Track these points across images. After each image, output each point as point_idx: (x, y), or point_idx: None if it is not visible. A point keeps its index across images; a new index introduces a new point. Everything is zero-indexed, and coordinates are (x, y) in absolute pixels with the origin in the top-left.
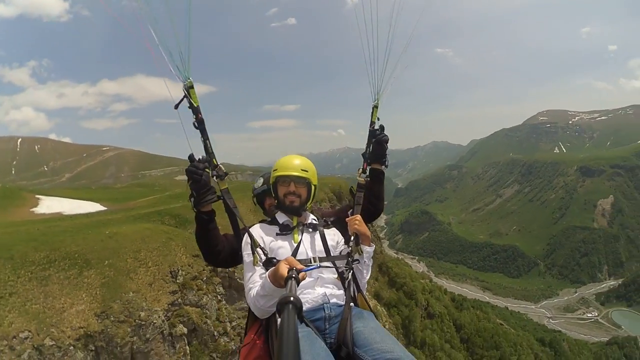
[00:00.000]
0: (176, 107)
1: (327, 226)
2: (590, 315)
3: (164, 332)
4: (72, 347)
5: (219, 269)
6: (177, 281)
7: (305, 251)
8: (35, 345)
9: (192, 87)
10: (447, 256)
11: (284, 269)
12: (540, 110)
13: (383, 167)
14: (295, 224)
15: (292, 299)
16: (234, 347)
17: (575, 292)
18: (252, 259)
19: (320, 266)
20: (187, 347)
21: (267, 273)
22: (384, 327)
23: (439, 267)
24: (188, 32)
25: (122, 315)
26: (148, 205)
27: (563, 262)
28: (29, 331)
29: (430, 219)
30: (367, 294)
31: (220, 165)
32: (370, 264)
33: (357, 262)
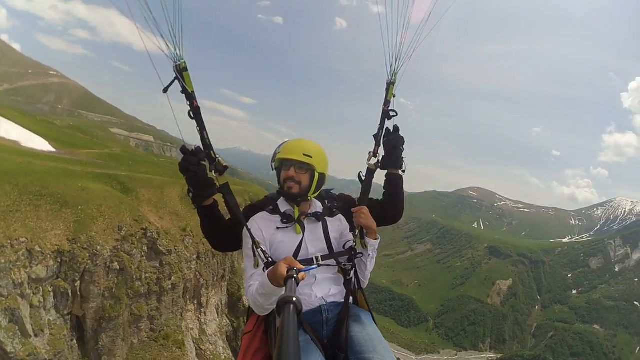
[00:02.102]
0: (165, 90)
1: (332, 214)
2: None
3: (106, 263)
4: (49, 256)
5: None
6: (121, 233)
7: (306, 247)
8: (27, 248)
9: (185, 69)
10: None
11: (283, 269)
12: (472, 186)
13: (400, 171)
14: (297, 214)
15: (292, 299)
16: (142, 291)
17: (456, 355)
18: (252, 258)
19: (320, 266)
20: (116, 279)
21: (266, 272)
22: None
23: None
24: (179, 5)
25: (85, 245)
26: (94, 161)
27: (451, 324)
28: (25, 238)
29: None
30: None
31: (220, 158)
32: (374, 256)
33: (360, 255)
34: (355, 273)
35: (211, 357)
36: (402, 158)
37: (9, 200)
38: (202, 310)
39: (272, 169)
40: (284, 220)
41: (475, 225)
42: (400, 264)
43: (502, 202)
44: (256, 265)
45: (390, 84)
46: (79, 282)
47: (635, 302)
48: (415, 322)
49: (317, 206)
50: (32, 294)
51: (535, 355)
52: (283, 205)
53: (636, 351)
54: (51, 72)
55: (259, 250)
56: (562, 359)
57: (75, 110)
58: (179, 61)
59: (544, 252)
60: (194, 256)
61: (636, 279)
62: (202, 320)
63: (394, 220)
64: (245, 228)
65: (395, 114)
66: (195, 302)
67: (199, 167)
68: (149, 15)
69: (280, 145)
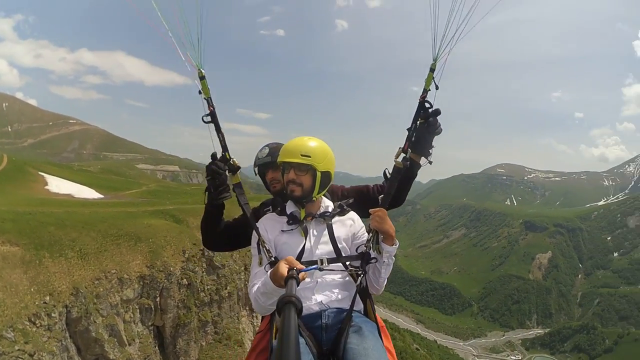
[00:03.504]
0: (200, 92)
1: (343, 212)
2: (514, 357)
3: (178, 281)
4: (134, 280)
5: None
6: (185, 256)
7: (311, 249)
8: (117, 277)
9: (203, 77)
10: (388, 286)
11: (283, 269)
12: (499, 163)
13: (424, 160)
14: (303, 216)
15: (292, 299)
16: (206, 300)
17: (503, 335)
18: (257, 256)
19: (321, 268)
20: (185, 292)
21: (268, 272)
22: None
23: (378, 295)
24: (198, 20)
25: (160, 268)
26: (140, 200)
27: (496, 306)
28: (115, 270)
29: None
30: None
31: (234, 159)
32: (391, 264)
33: (374, 260)
34: (367, 279)
35: None
36: (432, 146)
37: (97, 243)
38: (254, 314)
39: (255, 174)
40: (290, 222)
41: (507, 202)
42: (437, 253)
43: (532, 175)
44: (260, 263)
45: (431, 70)
46: (158, 298)
47: None
48: (459, 308)
49: (328, 205)
50: (124, 312)
51: (584, 325)
52: (290, 206)
53: None
54: (71, 121)
55: (264, 248)
56: (611, 324)
57: (100, 153)
58: (199, 69)
59: (580, 218)
60: (242, 268)
61: None
62: (255, 324)
63: (394, 207)
64: (253, 227)
65: (430, 105)
66: (247, 308)
67: (224, 172)
68: (174, 30)
69: (261, 149)
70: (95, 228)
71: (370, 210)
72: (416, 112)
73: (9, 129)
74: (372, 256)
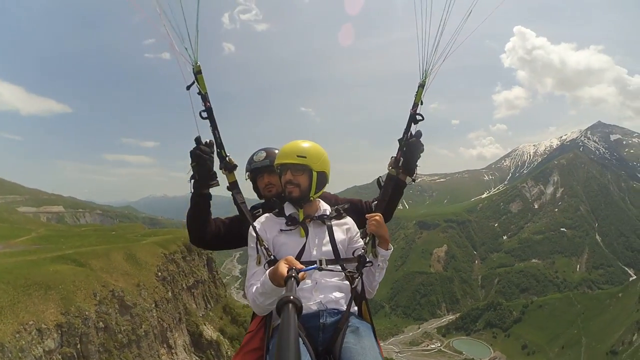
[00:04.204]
0: (188, 88)
1: (340, 216)
2: (434, 346)
3: (95, 324)
4: (52, 330)
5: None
6: (96, 298)
7: (310, 250)
8: (36, 328)
9: (199, 72)
10: None
11: (283, 269)
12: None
13: (409, 178)
14: (301, 217)
15: (292, 298)
16: (125, 341)
17: (419, 328)
18: (255, 256)
19: (320, 268)
20: (103, 335)
21: (267, 271)
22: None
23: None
24: (196, 13)
25: (76, 314)
26: (34, 248)
27: (406, 302)
28: (33, 321)
29: None
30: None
31: (230, 157)
32: (385, 268)
33: (370, 264)
34: (362, 282)
35: None
36: (417, 166)
37: (10, 295)
38: (173, 351)
39: (246, 179)
40: (289, 223)
41: (400, 207)
42: None
43: (419, 179)
44: (259, 262)
45: (420, 86)
46: (79, 344)
47: (562, 229)
48: (372, 312)
49: (326, 209)
50: None
51: (489, 303)
52: (289, 208)
53: (577, 269)
54: None
55: (262, 247)
56: (514, 298)
57: None
58: (194, 65)
59: (467, 211)
60: (152, 305)
61: (555, 210)
62: None
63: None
64: (251, 225)
65: (421, 117)
66: (165, 345)
67: (209, 157)
68: (169, 26)
69: (253, 155)
70: (3, 280)
71: (367, 215)
72: (408, 122)
73: None
74: (368, 260)
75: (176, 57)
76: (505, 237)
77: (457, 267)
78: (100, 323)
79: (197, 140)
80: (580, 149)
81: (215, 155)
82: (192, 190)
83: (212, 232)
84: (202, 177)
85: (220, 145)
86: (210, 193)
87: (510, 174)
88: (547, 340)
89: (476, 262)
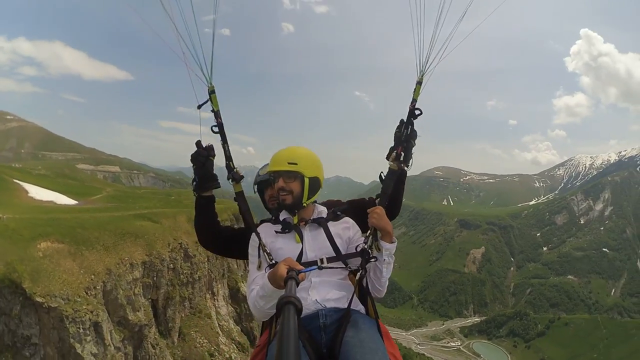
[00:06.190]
0: (199, 107)
1: (337, 218)
2: (454, 344)
3: (167, 265)
4: (139, 265)
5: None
6: (169, 247)
7: (307, 252)
8: (130, 263)
9: (213, 92)
10: None
11: (283, 270)
12: (437, 166)
13: (406, 167)
14: (296, 221)
15: (292, 299)
16: (185, 281)
17: (443, 324)
18: (256, 261)
19: (321, 267)
20: (172, 274)
21: (266, 274)
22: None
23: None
24: (212, 41)
25: (156, 256)
26: (109, 204)
27: (434, 298)
28: (127, 257)
29: None
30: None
31: (237, 169)
32: (392, 262)
33: (374, 259)
34: (368, 277)
35: (227, 330)
36: (412, 154)
37: (112, 239)
38: (215, 297)
39: (254, 192)
40: (283, 227)
41: (444, 202)
42: None
43: (468, 177)
44: (259, 267)
45: (418, 84)
46: (155, 277)
47: (604, 249)
48: (400, 301)
49: (322, 212)
50: (134, 287)
51: (517, 312)
52: (284, 214)
53: (612, 293)
54: (8, 117)
55: (264, 252)
56: (543, 311)
57: (39, 152)
58: (209, 85)
59: (511, 217)
60: (205, 259)
61: (601, 228)
62: (217, 305)
63: (392, 217)
64: (254, 231)
65: (420, 112)
66: (210, 292)
67: (207, 160)
68: (186, 49)
69: (262, 167)
70: (107, 228)
71: (368, 209)
72: (407, 117)
73: None
74: (372, 255)
75: (190, 78)
76: (545, 249)
77: (491, 271)
78: (171, 264)
79: (198, 144)
80: (638, 168)
81: (214, 159)
82: (194, 194)
83: (220, 237)
84: (202, 179)
85: (228, 158)
86: (213, 195)
87: (562, 184)
88: (566, 359)
89: (511, 268)
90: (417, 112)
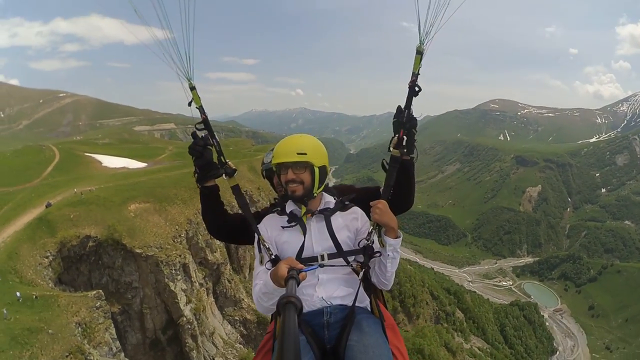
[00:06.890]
0: (189, 104)
1: (345, 208)
2: (505, 283)
3: None
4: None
5: None
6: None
7: (311, 246)
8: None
9: (193, 88)
10: None
11: (283, 270)
12: (493, 98)
13: (411, 157)
14: (303, 212)
15: (292, 299)
16: None
17: (495, 263)
18: (259, 256)
19: (322, 265)
20: None
21: (269, 272)
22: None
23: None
24: (191, 38)
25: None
26: (175, 161)
27: (488, 236)
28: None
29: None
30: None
31: (229, 163)
32: (397, 258)
33: (378, 254)
34: (372, 273)
35: None
36: (415, 142)
37: (187, 194)
38: None
39: (263, 177)
40: (290, 220)
41: (501, 137)
42: (433, 187)
43: (526, 110)
44: (262, 262)
45: (418, 53)
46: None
47: None
48: (454, 239)
49: (329, 201)
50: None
51: (570, 255)
52: (290, 205)
53: None
54: (60, 95)
55: (264, 247)
56: (597, 256)
57: (96, 122)
58: (190, 81)
59: (570, 154)
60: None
61: None
62: None
63: (403, 210)
64: (253, 228)
65: (419, 89)
66: None
67: (204, 150)
68: (168, 46)
69: (267, 154)
70: (181, 185)
71: (370, 203)
72: (407, 97)
73: (1, 115)
74: (375, 250)
75: (177, 74)
76: (603, 190)
77: (547, 211)
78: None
79: (193, 135)
80: None
81: (213, 149)
82: (197, 185)
83: (228, 227)
84: (202, 170)
85: (219, 152)
86: (217, 185)
87: (625, 122)
88: (615, 308)
89: (568, 209)
90: (416, 89)
